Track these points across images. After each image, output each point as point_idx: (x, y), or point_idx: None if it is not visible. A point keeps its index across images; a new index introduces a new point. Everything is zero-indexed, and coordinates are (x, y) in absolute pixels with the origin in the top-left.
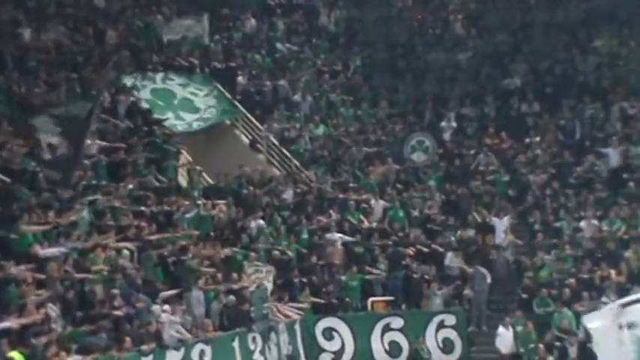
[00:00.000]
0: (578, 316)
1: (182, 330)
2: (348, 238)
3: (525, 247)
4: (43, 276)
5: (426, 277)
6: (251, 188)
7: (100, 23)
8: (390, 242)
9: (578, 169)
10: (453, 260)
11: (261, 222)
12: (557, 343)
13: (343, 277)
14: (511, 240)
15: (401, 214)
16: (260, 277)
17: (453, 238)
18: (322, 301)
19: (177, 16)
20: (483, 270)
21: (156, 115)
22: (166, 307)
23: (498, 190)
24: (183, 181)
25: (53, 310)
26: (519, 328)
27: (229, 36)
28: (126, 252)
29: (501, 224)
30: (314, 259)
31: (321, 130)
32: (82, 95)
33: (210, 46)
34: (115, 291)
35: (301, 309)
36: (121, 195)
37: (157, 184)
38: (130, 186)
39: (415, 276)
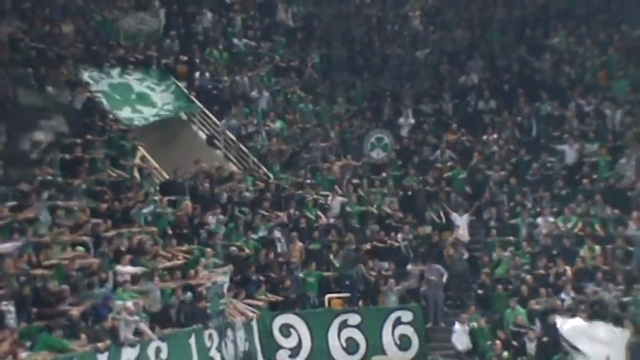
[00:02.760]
0: (530, 312)
1: (142, 325)
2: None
3: (481, 244)
4: None
5: (383, 273)
6: (205, 185)
7: (57, 18)
8: (347, 239)
9: (535, 166)
10: (413, 269)
11: (220, 218)
12: (514, 342)
13: (301, 274)
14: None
15: (358, 210)
16: (216, 273)
17: (410, 235)
18: (279, 298)
19: (134, 11)
20: (438, 266)
21: (113, 111)
22: (129, 304)
23: (456, 186)
24: (139, 177)
25: (7, 306)
26: (474, 324)
27: (186, 31)
28: (81, 248)
29: (462, 220)
30: (271, 255)
31: (278, 125)
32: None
33: (166, 41)
34: (66, 287)
35: (257, 306)
36: (77, 191)
37: (113, 179)
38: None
39: (372, 273)
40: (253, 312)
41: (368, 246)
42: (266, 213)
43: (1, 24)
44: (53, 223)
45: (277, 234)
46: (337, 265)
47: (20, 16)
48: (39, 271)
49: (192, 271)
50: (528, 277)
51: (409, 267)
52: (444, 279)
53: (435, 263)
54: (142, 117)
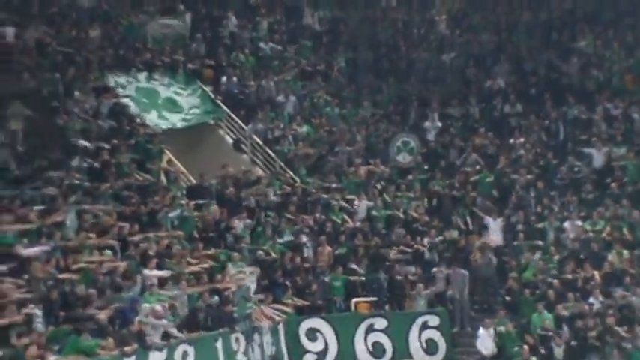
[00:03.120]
0: (558, 317)
1: (169, 327)
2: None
3: (509, 248)
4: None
5: (410, 277)
6: (231, 189)
7: (84, 23)
8: (374, 243)
9: (562, 170)
10: (438, 272)
11: (247, 222)
12: (542, 346)
13: (327, 278)
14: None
15: (385, 214)
16: (243, 277)
17: (437, 240)
18: (306, 302)
19: (160, 15)
20: (462, 271)
21: (141, 114)
22: (157, 307)
23: (483, 190)
24: (165, 181)
25: (35, 310)
26: (502, 329)
27: (212, 35)
28: (108, 252)
29: (495, 225)
30: (297, 259)
31: (304, 130)
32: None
33: (192, 45)
34: (93, 291)
35: (284, 311)
36: (104, 195)
37: (140, 183)
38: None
39: (399, 277)
40: (280, 316)
41: (394, 251)
42: (292, 217)
43: (29, 29)
44: (80, 228)
45: (304, 238)
46: (365, 268)
47: (47, 21)
48: (66, 275)
49: (219, 275)
50: (555, 281)
51: (434, 270)
52: (467, 283)
53: (460, 267)
54: (168, 122)
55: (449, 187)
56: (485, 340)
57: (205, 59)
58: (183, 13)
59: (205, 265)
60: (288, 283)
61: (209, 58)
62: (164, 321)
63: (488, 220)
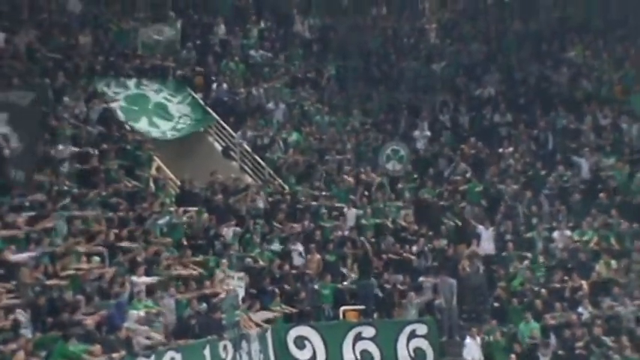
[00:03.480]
0: (545, 327)
1: (153, 334)
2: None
3: (497, 257)
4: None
5: (399, 286)
6: (220, 196)
7: (74, 28)
8: (362, 251)
9: (551, 180)
10: (425, 281)
11: (235, 229)
12: (529, 356)
13: (316, 286)
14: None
15: (373, 222)
16: (232, 284)
17: (425, 248)
18: (294, 310)
19: (151, 22)
20: (450, 280)
21: (128, 122)
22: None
23: (472, 199)
24: (154, 187)
25: (22, 315)
26: (490, 338)
27: (202, 42)
28: (97, 258)
29: (487, 233)
30: (286, 267)
31: (294, 137)
32: (24, 85)
33: (182, 52)
34: (81, 297)
35: (272, 319)
36: (92, 201)
37: (129, 190)
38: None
39: (387, 285)
40: (268, 324)
41: (383, 259)
42: (280, 225)
43: (19, 34)
44: (69, 234)
45: (294, 245)
46: (354, 276)
47: (37, 27)
48: (54, 282)
49: (207, 282)
50: (543, 290)
51: (421, 279)
52: (454, 293)
53: (448, 276)
54: (159, 131)
55: (438, 195)
56: (472, 350)
57: (195, 66)
58: (174, 20)
59: (194, 272)
60: (276, 290)
61: (199, 65)
62: (146, 327)
63: (481, 229)
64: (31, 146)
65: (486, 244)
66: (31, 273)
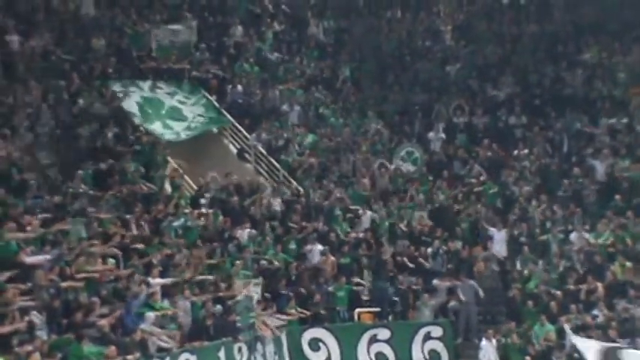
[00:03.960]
0: (560, 329)
1: (167, 336)
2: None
3: (512, 259)
4: (28, 284)
5: (413, 288)
6: (235, 198)
7: (89, 30)
8: (377, 253)
9: (566, 182)
10: (440, 284)
11: (250, 232)
12: (543, 358)
13: (330, 288)
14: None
15: (388, 224)
16: (247, 286)
17: (440, 251)
18: (308, 312)
19: (165, 23)
20: (472, 282)
21: (143, 124)
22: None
23: (487, 201)
24: (169, 189)
25: (38, 317)
26: (507, 340)
27: (217, 44)
28: (112, 260)
29: (500, 235)
30: (301, 269)
31: (309, 139)
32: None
33: (197, 54)
34: (96, 299)
35: (287, 321)
36: (107, 203)
37: (145, 192)
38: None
39: (402, 287)
40: (283, 326)
41: (398, 261)
42: (296, 226)
43: (34, 37)
44: (84, 236)
45: (309, 247)
46: (368, 278)
47: (52, 29)
48: (69, 283)
49: (222, 284)
50: (558, 293)
51: (435, 282)
52: (479, 294)
53: (467, 279)
54: (172, 132)
55: (453, 197)
56: (488, 352)
57: (210, 68)
58: (189, 21)
59: (210, 277)
60: (291, 293)
61: (214, 67)
62: (159, 330)
63: (493, 231)
64: None
65: (498, 247)
66: (46, 275)
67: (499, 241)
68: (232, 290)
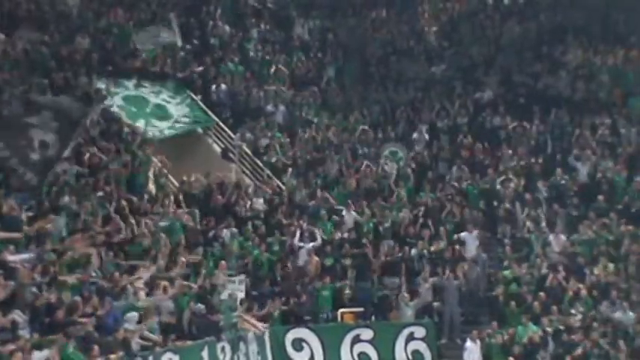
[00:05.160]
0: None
1: (150, 335)
2: (318, 243)
3: (495, 260)
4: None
5: (396, 288)
6: (219, 197)
7: (72, 28)
8: (361, 253)
9: (549, 183)
10: (423, 284)
11: (234, 231)
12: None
13: (315, 288)
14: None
15: (372, 224)
16: (232, 287)
17: (424, 251)
18: (293, 312)
19: (149, 23)
20: (456, 282)
21: (128, 122)
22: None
23: (470, 202)
24: (153, 189)
25: (20, 316)
26: (493, 340)
27: (202, 43)
28: (94, 259)
29: (471, 238)
30: (286, 268)
31: (293, 139)
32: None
33: (181, 54)
34: (78, 298)
35: (270, 320)
36: (91, 201)
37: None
38: (100, 193)
39: (384, 288)
40: (266, 326)
41: (381, 261)
42: (280, 226)
43: (18, 33)
44: (68, 234)
45: (294, 246)
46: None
47: (37, 26)
48: (52, 283)
49: (206, 283)
50: (541, 293)
51: (419, 280)
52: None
53: (451, 278)
54: (156, 130)
55: (436, 198)
56: (472, 353)
57: (195, 67)
58: (173, 23)
59: (192, 277)
60: (275, 291)
61: (198, 67)
62: (143, 326)
63: (465, 235)
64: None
65: (470, 249)
66: (28, 274)
67: (471, 244)
68: (215, 289)
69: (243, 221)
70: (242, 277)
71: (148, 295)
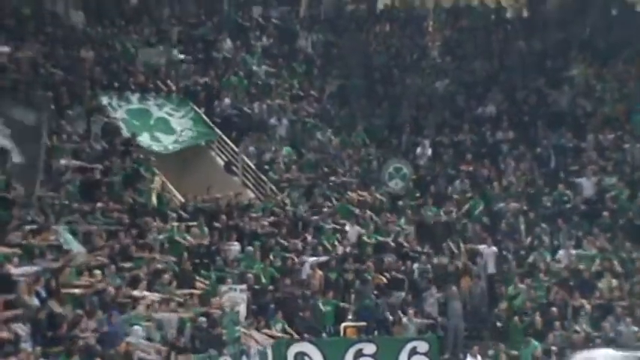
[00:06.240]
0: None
1: (153, 348)
2: (323, 259)
3: (499, 275)
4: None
5: (400, 303)
6: (223, 212)
7: (77, 43)
8: (364, 267)
9: (553, 198)
10: (428, 298)
11: (237, 245)
12: None
13: (318, 303)
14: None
15: (375, 239)
16: (234, 297)
17: (427, 266)
18: (295, 331)
19: (151, 44)
20: (459, 297)
21: (131, 134)
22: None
23: (474, 217)
24: (156, 202)
25: (22, 329)
26: (493, 355)
27: (206, 57)
28: (98, 272)
29: (489, 251)
30: (288, 283)
31: (297, 153)
32: (28, 103)
33: (185, 67)
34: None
35: (273, 335)
36: (95, 216)
37: (132, 205)
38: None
39: (389, 302)
40: (269, 340)
41: (385, 276)
42: (283, 241)
43: (23, 48)
44: (71, 247)
45: (299, 261)
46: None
47: (41, 41)
48: (55, 295)
49: (209, 298)
50: (545, 309)
51: (425, 294)
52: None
53: (455, 294)
54: (160, 145)
55: (440, 213)
56: None
57: (198, 81)
58: (175, 40)
59: (196, 291)
60: (277, 306)
61: (202, 80)
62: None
63: (483, 247)
64: (32, 160)
65: (487, 263)
66: (30, 287)
67: (488, 257)
68: (218, 303)
69: (247, 236)
70: (243, 286)
71: (149, 307)
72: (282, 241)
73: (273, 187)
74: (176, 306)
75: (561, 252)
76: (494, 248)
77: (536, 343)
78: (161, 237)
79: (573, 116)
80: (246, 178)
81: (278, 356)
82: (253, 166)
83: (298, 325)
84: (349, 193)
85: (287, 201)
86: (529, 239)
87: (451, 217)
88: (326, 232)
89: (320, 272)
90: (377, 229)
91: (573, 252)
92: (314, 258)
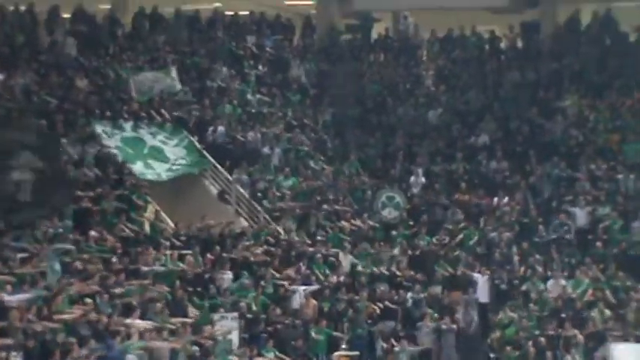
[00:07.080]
0: None
1: None
2: (314, 287)
3: (491, 305)
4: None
5: (392, 333)
6: (215, 241)
7: (71, 71)
8: (357, 297)
9: (546, 229)
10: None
11: (230, 274)
12: None
13: (311, 332)
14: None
15: (369, 269)
16: (226, 325)
17: (421, 295)
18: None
19: (147, 67)
20: (453, 327)
21: (124, 163)
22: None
23: (467, 247)
24: (149, 230)
25: (14, 357)
26: None
27: (200, 85)
28: (90, 300)
29: (482, 280)
30: (281, 312)
31: (290, 183)
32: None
33: (179, 96)
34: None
35: None
36: (88, 244)
37: (125, 233)
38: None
39: (380, 332)
40: None
41: (378, 306)
42: (276, 270)
43: (15, 75)
44: (63, 276)
45: (291, 290)
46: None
47: (35, 69)
48: (46, 323)
49: (201, 327)
50: (537, 339)
51: (419, 324)
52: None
53: (449, 321)
54: (154, 173)
55: (433, 243)
56: None
57: (192, 109)
58: (170, 67)
59: (188, 319)
60: (270, 336)
61: (196, 109)
62: None
63: (477, 277)
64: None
65: (481, 292)
66: (22, 315)
67: (482, 287)
68: (210, 332)
69: (240, 265)
70: (235, 314)
71: (143, 337)
72: (274, 271)
73: (267, 216)
74: (168, 334)
75: (554, 281)
76: (487, 277)
77: None
78: (154, 266)
79: (566, 146)
80: (240, 207)
81: None
82: (247, 195)
83: (291, 354)
84: (342, 222)
85: (280, 230)
86: (522, 269)
87: (444, 247)
88: (318, 261)
89: (314, 301)
90: (370, 258)
91: (565, 282)
92: (304, 287)
